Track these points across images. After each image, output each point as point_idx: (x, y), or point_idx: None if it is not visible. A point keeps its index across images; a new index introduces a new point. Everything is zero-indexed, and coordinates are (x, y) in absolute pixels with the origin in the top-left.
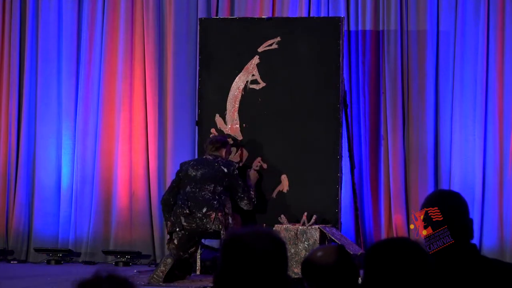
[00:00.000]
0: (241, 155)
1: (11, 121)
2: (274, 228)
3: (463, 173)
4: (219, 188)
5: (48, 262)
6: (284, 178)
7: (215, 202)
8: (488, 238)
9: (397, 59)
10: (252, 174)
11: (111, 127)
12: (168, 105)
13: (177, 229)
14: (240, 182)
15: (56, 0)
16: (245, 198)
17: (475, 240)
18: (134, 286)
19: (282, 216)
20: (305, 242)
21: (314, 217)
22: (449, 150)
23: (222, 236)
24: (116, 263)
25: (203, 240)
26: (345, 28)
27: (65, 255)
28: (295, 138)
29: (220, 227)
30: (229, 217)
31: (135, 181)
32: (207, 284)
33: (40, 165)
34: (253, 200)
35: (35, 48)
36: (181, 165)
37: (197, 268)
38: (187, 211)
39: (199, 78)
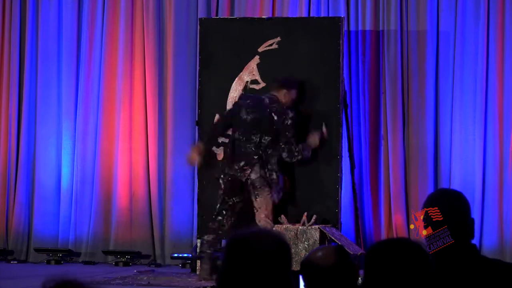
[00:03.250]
0: None
1: (11, 121)
2: (274, 228)
3: (463, 173)
4: (266, 138)
5: (48, 262)
6: (284, 178)
7: (256, 157)
8: (488, 238)
9: (397, 59)
10: (312, 138)
11: (111, 127)
12: (168, 105)
13: (223, 174)
14: (287, 133)
15: (56, 0)
16: (286, 150)
17: (475, 240)
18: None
19: (282, 216)
20: (305, 242)
21: (314, 217)
22: (449, 150)
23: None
24: (116, 263)
25: None
26: (345, 28)
27: (65, 255)
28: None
29: (264, 183)
30: (274, 173)
31: (135, 181)
32: (207, 284)
33: (40, 165)
34: (295, 154)
35: (35, 48)
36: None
37: (197, 268)
38: (230, 160)
39: (199, 78)
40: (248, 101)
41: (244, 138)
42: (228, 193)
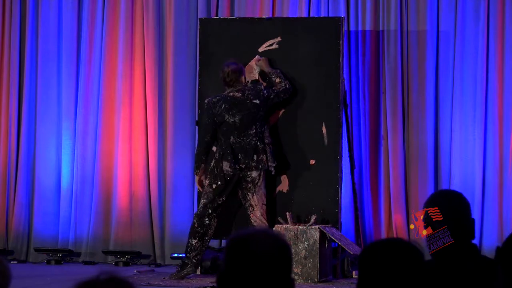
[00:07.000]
0: None
1: (11, 121)
2: (274, 228)
3: (463, 173)
4: (258, 124)
5: (48, 262)
6: (284, 178)
7: (261, 144)
8: (488, 238)
9: (397, 59)
10: (263, 62)
11: (111, 127)
12: (168, 105)
13: (219, 182)
14: (271, 91)
15: (56, 0)
16: (284, 85)
17: (475, 240)
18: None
19: (289, 214)
20: (305, 242)
21: (314, 217)
22: (449, 150)
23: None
24: (116, 263)
25: None
26: (345, 28)
27: (65, 255)
28: (295, 138)
29: (266, 166)
30: (270, 147)
31: (135, 181)
32: (207, 284)
33: (40, 165)
34: (284, 90)
35: (35, 48)
36: (211, 105)
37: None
38: (240, 165)
39: (199, 78)
40: (223, 105)
41: (242, 138)
42: (220, 192)
